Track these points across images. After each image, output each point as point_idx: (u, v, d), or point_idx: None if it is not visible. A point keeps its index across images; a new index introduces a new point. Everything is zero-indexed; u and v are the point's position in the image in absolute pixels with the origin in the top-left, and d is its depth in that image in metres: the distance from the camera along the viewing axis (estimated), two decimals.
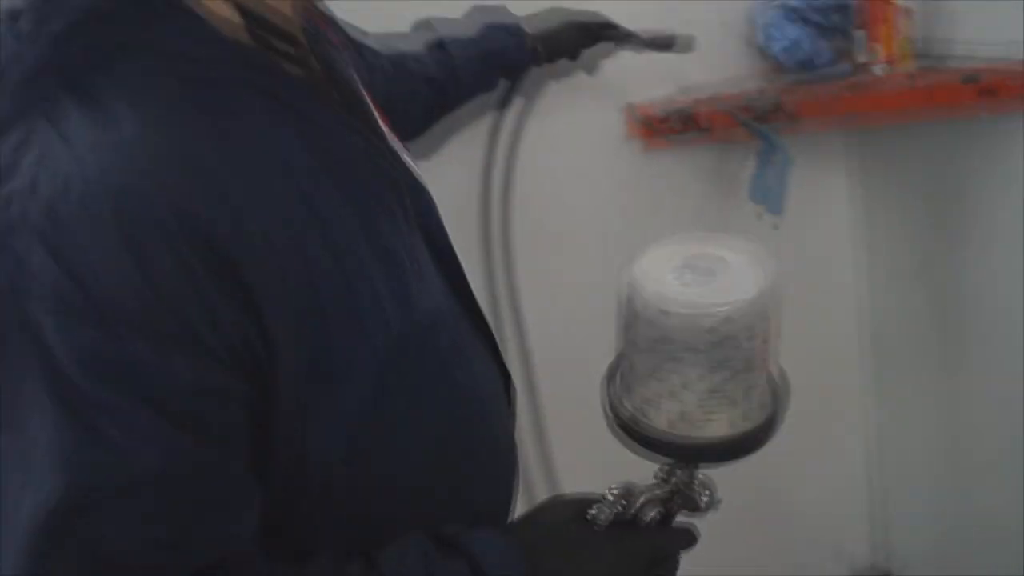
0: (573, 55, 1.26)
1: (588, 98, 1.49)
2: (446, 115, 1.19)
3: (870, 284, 1.79)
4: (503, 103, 1.29)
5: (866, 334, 1.84)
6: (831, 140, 1.70)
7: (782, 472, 1.73)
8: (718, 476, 0.74)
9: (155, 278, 0.50)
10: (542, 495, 0.93)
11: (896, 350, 1.79)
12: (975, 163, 1.46)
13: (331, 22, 0.86)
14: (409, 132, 1.06)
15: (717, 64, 1.56)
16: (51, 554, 0.49)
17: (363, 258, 0.61)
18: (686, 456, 0.71)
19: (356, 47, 1.01)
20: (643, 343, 0.67)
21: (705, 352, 0.65)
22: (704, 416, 0.68)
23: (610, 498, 0.70)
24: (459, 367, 0.70)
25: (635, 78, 1.49)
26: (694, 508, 0.73)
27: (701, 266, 0.69)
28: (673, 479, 0.72)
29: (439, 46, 1.14)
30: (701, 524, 0.74)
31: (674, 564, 0.73)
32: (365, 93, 0.77)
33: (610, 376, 0.75)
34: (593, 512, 0.70)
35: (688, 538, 0.73)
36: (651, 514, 0.71)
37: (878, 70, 1.45)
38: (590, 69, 1.35)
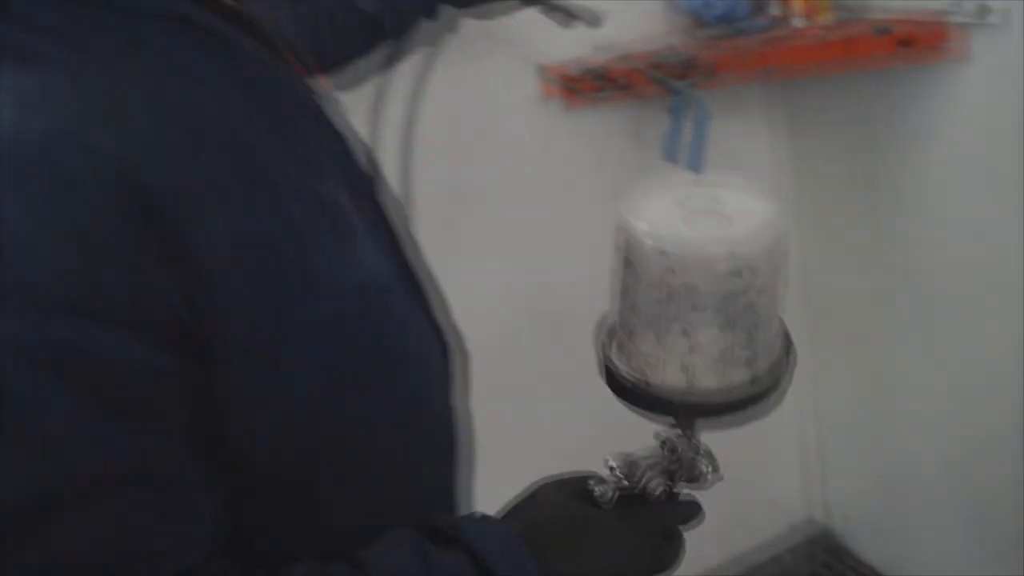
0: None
1: (502, 56, 1.45)
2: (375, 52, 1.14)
3: (798, 236, 1.79)
4: (391, 59, 1.23)
5: (796, 287, 1.84)
6: (753, 94, 1.69)
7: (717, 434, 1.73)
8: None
9: (83, 241, 0.44)
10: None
11: (826, 303, 1.80)
12: (895, 114, 1.46)
13: None
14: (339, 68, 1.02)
15: (636, 21, 1.53)
16: None
17: (310, 213, 0.56)
18: (698, 414, 0.67)
19: None
20: (648, 295, 0.62)
21: (721, 299, 0.61)
22: (713, 371, 0.64)
23: (613, 473, 0.67)
24: (401, 332, 0.65)
25: (552, 36, 1.44)
26: (696, 479, 0.69)
27: (700, 207, 0.64)
28: (677, 448, 0.68)
29: None
30: None
31: (682, 538, 0.70)
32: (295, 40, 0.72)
33: (607, 331, 0.70)
34: (599, 490, 0.66)
35: (695, 510, 0.70)
36: (658, 487, 0.67)
37: (796, 23, 1.44)
38: (504, 25, 1.31)
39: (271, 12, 0.85)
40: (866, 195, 1.59)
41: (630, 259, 0.64)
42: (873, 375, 1.73)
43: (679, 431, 0.69)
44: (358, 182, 0.69)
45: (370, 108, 1.30)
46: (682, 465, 0.69)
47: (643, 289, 0.63)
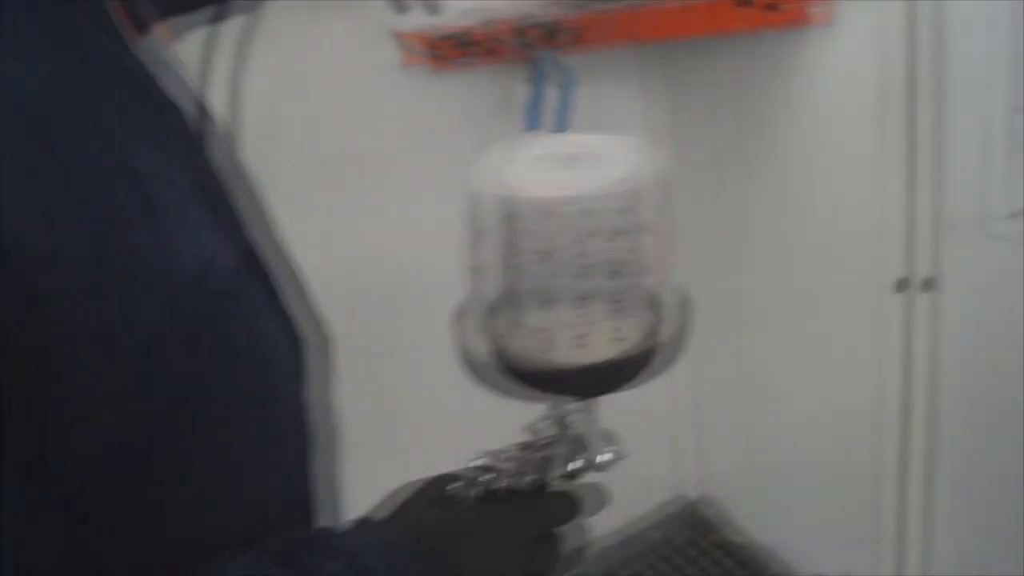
0: None
1: (359, 19, 1.35)
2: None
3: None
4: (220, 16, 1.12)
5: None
6: (627, 58, 1.66)
7: None
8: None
9: None
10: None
11: (694, 273, 1.78)
12: (763, 78, 1.46)
13: None
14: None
15: None
16: None
17: (119, 196, 0.49)
18: (590, 386, 0.61)
19: None
20: (528, 258, 0.56)
21: (605, 246, 0.55)
22: (611, 332, 0.58)
23: (477, 471, 0.61)
24: (246, 323, 0.59)
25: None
26: (570, 477, 0.64)
27: (572, 158, 0.59)
28: (567, 424, 0.63)
29: None
30: None
31: (560, 538, 0.63)
32: None
33: (462, 312, 0.64)
34: (460, 493, 0.60)
35: (573, 504, 0.63)
36: (530, 482, 0.61)
37: None
38: None
39: None
40: (737, 162, 1.59)
41: (505, 222, 0.58)
42: (739, 351, 1.75)
43: (556, 414, 0.64)
44: (195, 157, 0.61)
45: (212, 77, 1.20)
46: (565, 451, 0.64)
47: (522, 253, 0.57)
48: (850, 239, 1.37)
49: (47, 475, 0.47)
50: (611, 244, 0.56)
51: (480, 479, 0.61)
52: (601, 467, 0.66)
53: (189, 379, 0.53)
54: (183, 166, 0.57)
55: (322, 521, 0.70)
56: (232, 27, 1.22)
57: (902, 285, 1.31)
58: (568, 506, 0.63)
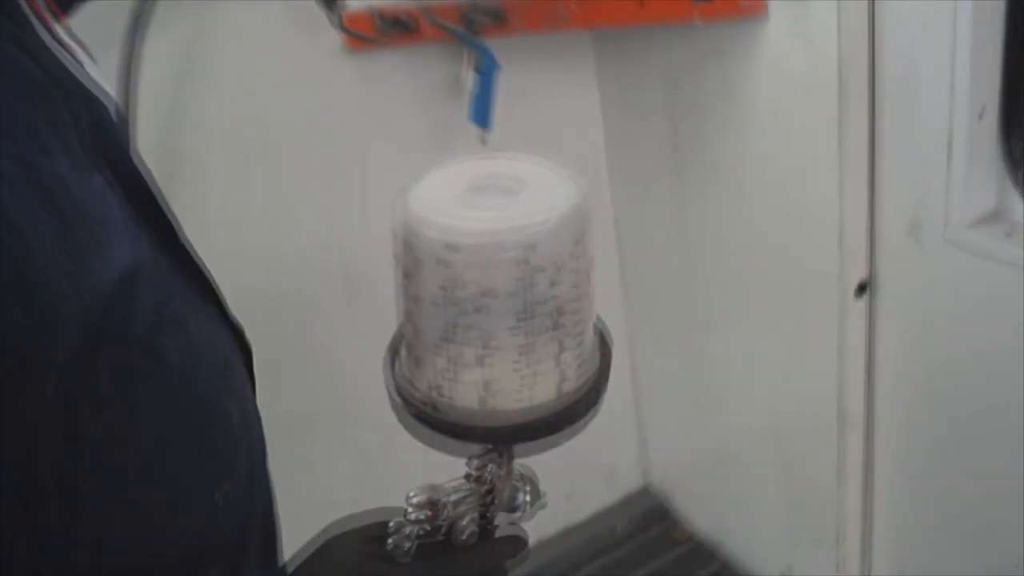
0: None
1: (296, 5, 1.29)
2: None
3: (610, 194, 1.73)
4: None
5: (608, 247, 1.79)
6: (565, 43, 1.59)
7: None
8: None
9: None
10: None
11: (640, 265, 1.77)
12: (698, 68, 1.41)
13: None
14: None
15: None
16: None
17: (24, 209, 0.45)
18: (504, 438, 0.57)
19: None
20: (429, 295, 0.52)
21: (513, 294, 0.51)
22: (520, 382, 0.54)
23: (410, 516, 0.56)
24: (169, 333, 0.54)
25: None
26: (515, 509, 0.60)
27: (493, 187, 0.55)
28: (487, 474, 0.58)
29: None
30: None
31: None
32: None
33: (393, 349, 0.59)
34: (394, 540, 0.56)
35: (517, 546, 0.60)
36: (467, 528, 0.58)
37: None
38: None
39: None
40: (673, 152, 1.54)
41: (406, 250, 0.53)
42: (691, 341, 1.70)
43: (490, 457, 0.59)
44: (113, 151, 0.56)
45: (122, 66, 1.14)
46: (497, 496, 0.59)
47: (424, 287, 0.52)
48: (804, 238, 1.32)
49: None
50: (555, 283, 0.52)
51: (417, 526, 0.57)
52: (521, 512, 0.62)
53: (121, 393, 0.50)
54: (99, 164, 0.53)
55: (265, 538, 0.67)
56: (159, 16, 1.16)
57: (859, 289, 1.27)
58: (512, 548, 0.61)
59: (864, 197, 1.21)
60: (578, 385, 0.57)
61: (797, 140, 1.26)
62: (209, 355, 0.59)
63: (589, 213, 0.55)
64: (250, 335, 0.70)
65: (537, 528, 1.86)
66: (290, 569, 0.59)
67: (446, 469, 0.61)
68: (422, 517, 0.57)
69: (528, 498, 0.61)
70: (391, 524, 0.57)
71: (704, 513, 1.90)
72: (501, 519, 0.61)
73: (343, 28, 1.23)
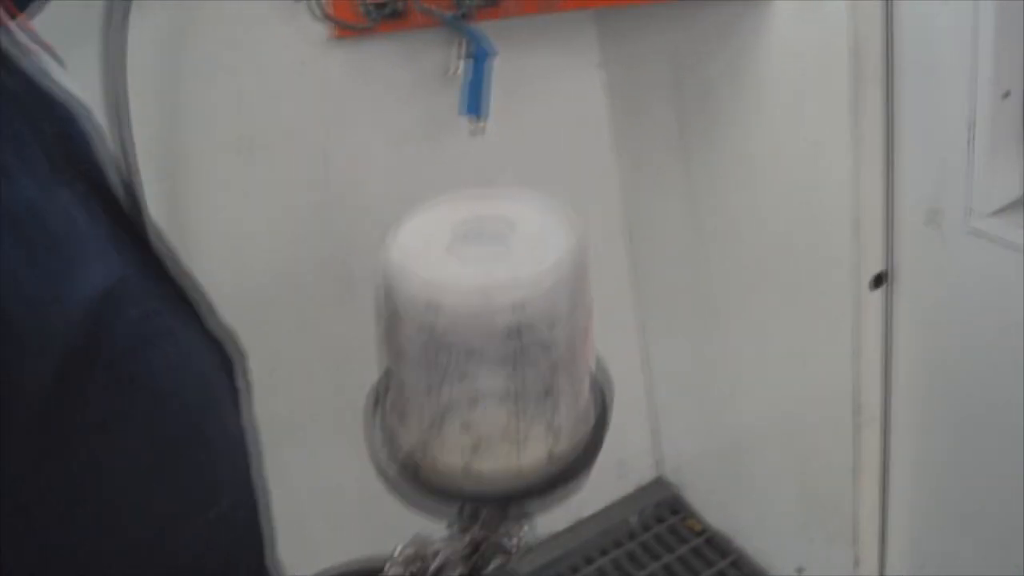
0: None
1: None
2: None
3: (619, 180, 1.66)
4: None
5: (619, 235, 1.73)
6: (567, 25, 1.52)
7: None
8: None
9: None
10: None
11: (649, 253, 1.71)
12: (704, 47, 1.34)
13: None
14: None
15: None
16: None
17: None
18: (491, 502, 0.54)
19: None
20: (411, 353, 0.49)
21: (502, 356, 0.47)
22: (508, 445, 0.51)
23: (398, 569, 0.55)
24: (149, 352, 0.51)
25: None
26: (506, 554, 0.58)
27: (482, 234, 0.51)
28: (477, 525, 0.56)
29: None
30: None
31: None
32: None
33: (375, 401, 0.56)
34: None
35: None
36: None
37: None
38: None
39: None
40: (680, 137, 1.48)
41: (387, 302, 0.48)
42: (703, 332, 1.65)
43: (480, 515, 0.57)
44: (86, 162, 0.52)
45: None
46: (486, 547, 0.57)
47: (406, 343, 0.48)
48: (817, 227, 1.26)
49: None
50: (549, 343, 0.47)
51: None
52: (508, 555, 0.59)
53: (100, 418, 0.47)
54: (67, 177, 0.49)
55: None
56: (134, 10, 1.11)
57: (876, 280, 1.21)
58: None
59: (880, 184, 1.15)
60: (572, 445, 0.53)
61: (808, 124, 1.20)
62: (192, 370, 0.56)
63: (586, 259, 0.50)
64: (245, 334, 0.66)
65: (549, 521, 1.83)
66: None
67: None
68: (408, 571, 0.55)
69: (518, 542, 0.58)
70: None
71: (718, 506, 1.85)
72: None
73: (326, 17, 1.17)
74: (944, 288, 1.16)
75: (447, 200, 0.53)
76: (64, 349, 0.44)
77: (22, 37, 0.55)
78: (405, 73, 1.35)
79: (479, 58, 1.20)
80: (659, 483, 1.99)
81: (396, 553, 0.56)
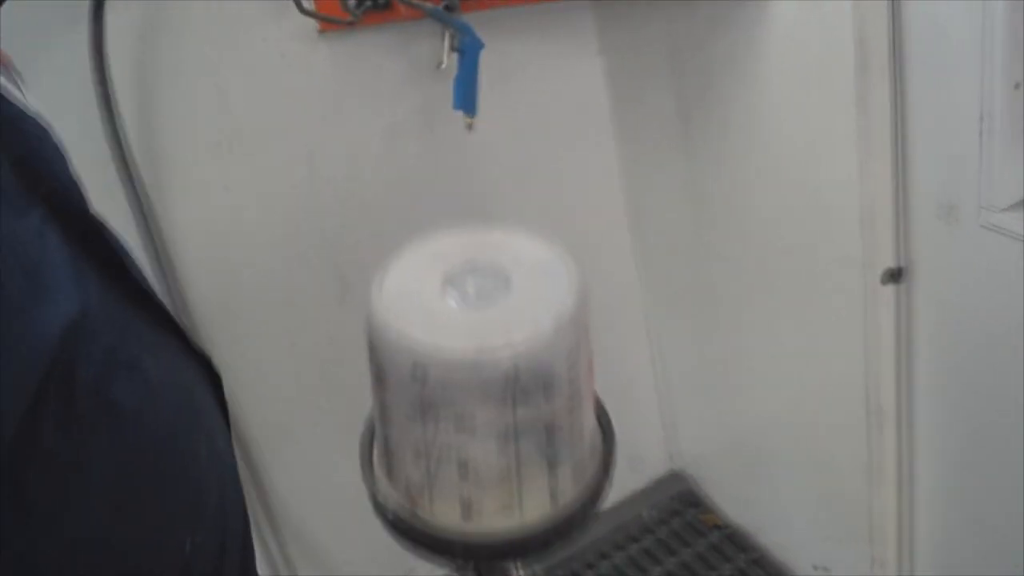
0: None
1: None
2: None
3: (623, 172, 1.62)
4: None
5: (623, 227, 1.68)
6: (565, 14, 1.47)
7: None
8: None
9: None
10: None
11: (656, 244, 1.66)
12: (702, 37, 1.29)
13: None
14: None
15: None
16: None
17: None
18: (488, 557, 0.52)
19: None
20: (399, 409, 0.46)
21: (494, 417, 0.45)
22: (506, 501, 0.48)
23: None
24: (122, 379, 0.49)
25: None
26: None
27: (474, 288, 0.47)
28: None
29: None
30: None
31: None
32: None
33: (367, 446, 0.54)
34: None
35: None
36: None
37: None
38: None
39: None
40: (683, 128, 1.42)
41: (373, 353, 0.45)
42: (713, 325, 1.60)
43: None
44: (51, 190, 0.49)
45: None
46: None
47: (393, 398, 0.44)
48: (824, 222, 1.21)
49: None
50: (543, 400, 0.43)
51: None
52: None
53: (70, 450, 0.45)
54: (34, 201, 0.47)
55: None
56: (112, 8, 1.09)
57: (888, 276, 1.15)
58: None
59: (888, 178, 1.09)
60: (576, 495, 0.49)
61: (813, 116, 1.14)
62: (170, 394, 0.54)
63: (587, 307, 0.45)
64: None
65: None
66: None
67: None
68: None
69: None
70: None
71: (734, 501, 1.82)
72: None
73: (308, 12, 1.13)
74: (961, 284, 1.10)
75: (438, 240, 0.48)
76: (29, 382, 0.42)
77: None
78: (395, 66, 1.31)
79: (466, 51, 1.15)
80: (674, 477, 1.95)
81: None
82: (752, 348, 1.51)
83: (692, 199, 1.49)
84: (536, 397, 0.43)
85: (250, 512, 1.39)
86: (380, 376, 0.45)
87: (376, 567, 1.44)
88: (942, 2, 0.95)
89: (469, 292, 0.45)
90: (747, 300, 1.47)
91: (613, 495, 1.78)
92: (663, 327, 1.76)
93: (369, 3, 1.16)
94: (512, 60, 1.36)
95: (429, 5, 1.14)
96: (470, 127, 1.19)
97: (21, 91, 0.56)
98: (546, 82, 1.45)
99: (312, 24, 1.21)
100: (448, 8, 1.14)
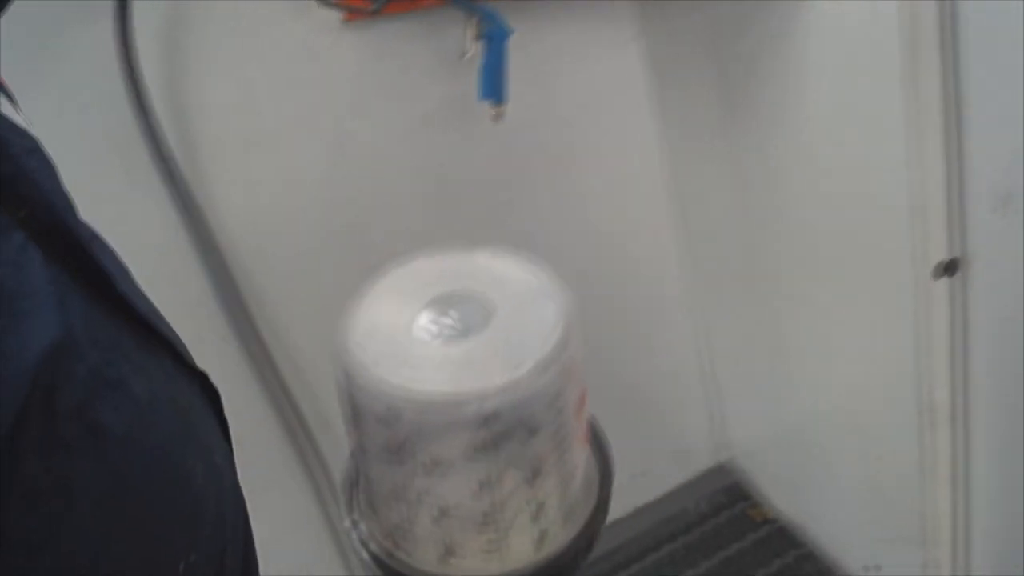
0: None
1: None
2: None
3: (671, 160, 1.56)
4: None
5: (671, 214, 1.63)
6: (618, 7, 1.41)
7: (616, 380, 1.63)
8: None
9: None
10: None
11: (705, 229, 1.60)
12: (747, 13, 1.22)
13: None
14: None
15: None
16: None
17: None
18: None
19: None
20: (374, 451, 0.43)
21: (471, 461, 0.42)
22: (487, 545, 0.45)
23: None
24: (108, 402, 0.47)
25: None
26: None
27: (453, 323, 0.44)
28: None
29: None
30: None
31: None
32: None
33: (348, 485, 0.51)
34: None
35: None
36: None
37: None
38: None
39: None
40: (728, 112, 1.36)
41: (343, 392, 0.42)
42: (763, 313, 1.54)
43: None
44: (34, 208, 0.48)
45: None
46: None
47: (368, 439, 0.41)
48: (873, 210, 1.14)
49: None
50: (525, 443, 0.40)
51: None
52: None
53: (53, 479, 0.43)
54: (15, 221, 0.46)
55: None
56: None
57: (940, 269, 1.09)
58: None
59: (940, 164, 1.02)
60: (566, 538, 0.45)
61: (860, 98, 1.08)
62: (160, 414, 0.52)
63: (576, 341, 0.42)
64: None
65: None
66: None
67: None
68: None
69: None
70: None
71: (783, 495, 1.76)
72: None
73: (329, 2, 1.10)
74: (1019, 277, 1.03)
75: (418, 265, 0.45)
76: (7, 411, 0.40)
77: None
78: (423, 55, 1.27)
79: (494, 39, 1.11)
80: (721, 469, 1.90)
81: None
82: (801, 338, 1.45)
83: (737, 185, 1.43)
84: (516, 441, 0.39)
85: (315, 500, 1.40)
86: (354, 416, 0.42)
87: None
88: None
89: (448, 324, 0.41)
90: (796, 289, 1.41)
91: (658, 488, 1.75)
92: (709, 316, 1.70)
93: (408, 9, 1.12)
94: (543, 46, 1.32)
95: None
96: (497, 117, 1.14)
97: (13, 102, 0.55)
98: (579, 67, 1.40)
99: (336, 15, 1.18)
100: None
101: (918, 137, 1.01)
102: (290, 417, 1.35)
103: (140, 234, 1.18)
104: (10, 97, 0.56)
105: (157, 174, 1.15)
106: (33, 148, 0.52)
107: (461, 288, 0.43)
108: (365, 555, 0.47)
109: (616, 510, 1.77)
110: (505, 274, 0.43)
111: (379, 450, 0.41)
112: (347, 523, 0.49)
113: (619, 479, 1.64)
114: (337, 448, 1.42)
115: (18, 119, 0.53)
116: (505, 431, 0.39)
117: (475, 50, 1.15)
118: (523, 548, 0.44)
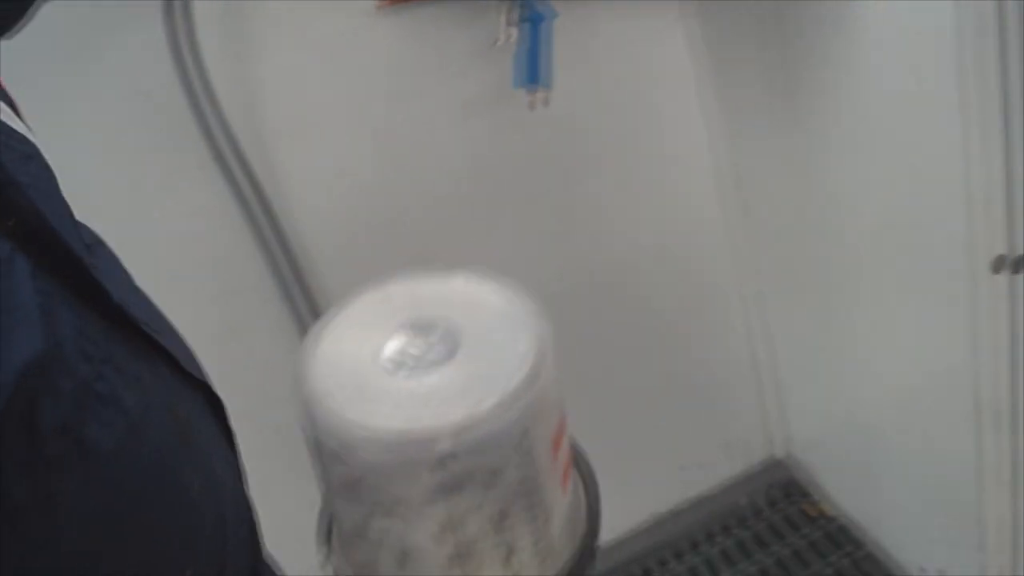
0: None
1: None
2: None
3: (729, 148, 1.49)
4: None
5: (732, 203, 1.56)
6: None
7: (669, 369, 1.62)
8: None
9: None
10: None
11: (767, 221, 1.53)
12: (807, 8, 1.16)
13: None
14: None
15: None
16: None
17: None
18: None
19: None
20: (334, 487, 0.42)
21: (430, 502, 0.40)
22: None
23: None
24: (96, 417, 0.46)
25: None
26: None
27: (418, 341, 0.42)
28: None
29: None
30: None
31: None
32: None
33: (322, 520, 0.50)
34: None
35: None
36: None
37: None
38: None
39: None
40: (785, 98, 1.30)
41: (302, 424, 0.40)
42: (821, 305, 1.48)
43: None
44: (23, 218, 0.47)
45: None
46: None
47: (328, 474, 0.39)
48: (930, 199, 1.08)
49: None
50: (488, 485, 0.37)
51: None
52: None
53: (38, 498, 0.42)
54: (3, 232, 0.45)
55: None
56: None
57: (1000, 263, 1.02)
58: None
59: (999, 152, 0.95)
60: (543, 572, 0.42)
61: (916, 80, 1.01)
62: (153, 427, 0.50)
63: (548, 371, 0.38)
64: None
65: (651, 502, 1.75)
66: None
67: None
68: None
69: None
70: None
71: (839, 492, 1.70)
72: None
73: None
74: None
75: (388, 290, 0.42)
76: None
77: None
78: (460, 41, 1.25)
79: (535, 21, 1.07)
80: (774, 464, 1.84)
81: None
82: (861, 331, 1.39)
83: (794, 172, 1.37)
84: (478, 483, 0.36)
85: None
86: (315, 448, 0.40)
87: None
88: None
89: (414, 355, 0.39)
90: (856, 280, 1.35)
91: (706, 481, 1.70)
92: (767, 307, 1.65)
93: None
94: (583, 29, 1.28)
95: None
96: (535, 104, 1.11)
97: (14, 108, 0.53)
98: (622, 51, 1.35)
99: (369, 2, 1.15)
100: None
101: (972, 123, 0.95)
102: None
103: (196, 220, 1.20)
104: (11, 103, 0.54)
105: (214, 162, 1.16)
106: (31, 154, 0.51)
107: (433, 315, 0.41)
108: None
109: (661, 503, 1.75)
110: (480, 300, 0.41)
111: (339, 486, 0.39)
112: (319, 556, 0.47)
113: (666, 472, 1.59)
114: None
115: (17, 124, 0.52)
116: (465, 472, 0.36)
117: (508, 37, 1.11)
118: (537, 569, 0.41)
